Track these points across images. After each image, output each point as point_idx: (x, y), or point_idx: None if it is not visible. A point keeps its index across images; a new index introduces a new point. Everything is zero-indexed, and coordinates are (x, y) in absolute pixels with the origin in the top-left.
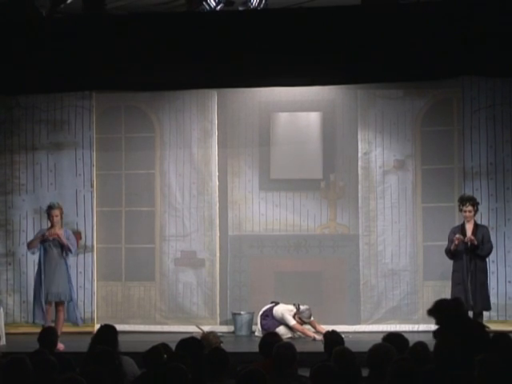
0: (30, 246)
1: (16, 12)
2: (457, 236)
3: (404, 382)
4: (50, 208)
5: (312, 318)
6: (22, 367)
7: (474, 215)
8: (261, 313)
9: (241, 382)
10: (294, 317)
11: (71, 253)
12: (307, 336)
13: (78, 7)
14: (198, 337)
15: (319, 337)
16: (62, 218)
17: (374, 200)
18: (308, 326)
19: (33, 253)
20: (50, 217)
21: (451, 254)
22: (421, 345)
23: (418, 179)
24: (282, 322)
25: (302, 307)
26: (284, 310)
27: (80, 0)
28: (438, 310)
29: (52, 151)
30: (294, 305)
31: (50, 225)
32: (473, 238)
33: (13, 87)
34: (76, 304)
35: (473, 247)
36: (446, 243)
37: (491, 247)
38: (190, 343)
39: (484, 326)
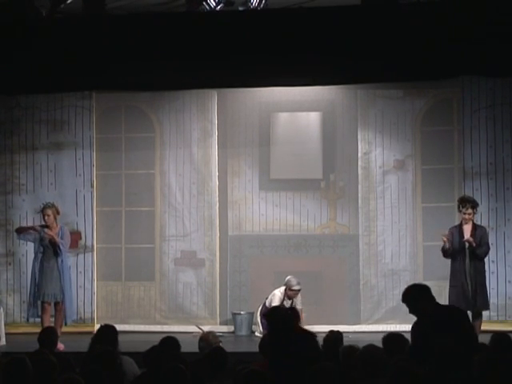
0: (18, 230)
1: (16, 12)
2: (444, 237)
3: (404, 382)
4: (44, 208)
5: (300, 288)
6: (22, 367)
7: (473, 217)
8: (258, 312)
9: (241, 381)
10: (285, 294)
11: (60, 251)
12: None
13: (78, 7)
14: (198, 337)
15: None
16: (55, 217)
17: (373, 200)
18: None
19: (19, 238)
20: (43, 216)
21: (446, 252)
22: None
23: (418, 179)
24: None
25: (286, 278)
26: (274, 293)
27: (80, 0)
28: (269, 317)
29: (52, 151)
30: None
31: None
32: (471, 239)
33: (13, 87)
34: (70, 304)
35: (471, 248)
36: None
37: (487, 249)
38: (168, 342)
39: (314, 336)
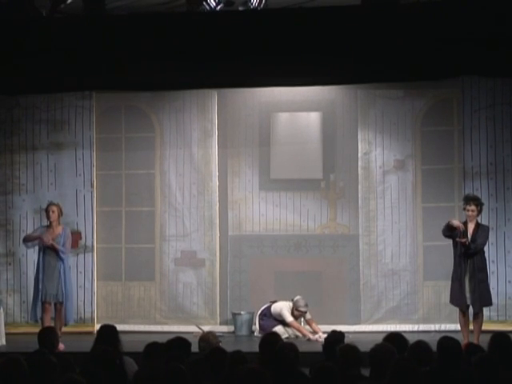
0: (25, 239)
1: (16, 12)
2: (462, 240)
3: (404, 382)
4: (48, 205)
5: (307, 310)
6: (18, 367)
7: (477, 216)
8: (259, 312)
9: (241, 381)
10: (292, 313)
11: (63, 254)
12: (303, 334)
13: (78, 7)
14: (198, 337)
15: (314, 336)
16: (59, 216)
17: (374, 200)
18: (306, 326)
19: (27, 247)
20: (47, 213)
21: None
22: (422, 344)
23: (418, 179)
24: (279, 318)
25: (295, 298)
26: (282, 306)
27: (80, 0)
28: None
29: (52, 151)
30: (292, 300)
31: (48, 222)
32: (464, 240)
33: (13, 87)
34: (71, 305)
35: (466, 248)
36: (446, 243)
37: (483, 240)
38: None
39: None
